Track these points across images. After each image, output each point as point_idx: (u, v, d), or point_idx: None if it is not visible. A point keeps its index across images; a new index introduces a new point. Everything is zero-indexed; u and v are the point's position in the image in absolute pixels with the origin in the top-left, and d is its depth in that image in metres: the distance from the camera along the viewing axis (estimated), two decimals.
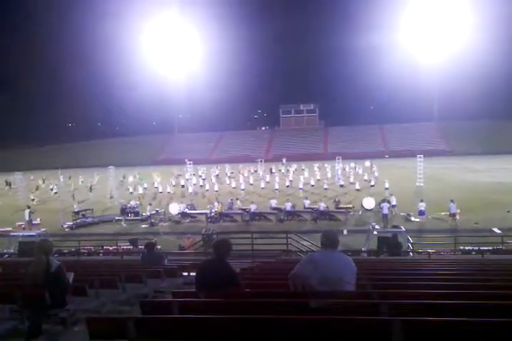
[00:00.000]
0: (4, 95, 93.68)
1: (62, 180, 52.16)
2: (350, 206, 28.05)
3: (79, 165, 76.53)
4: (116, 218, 28.61)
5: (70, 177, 54.22)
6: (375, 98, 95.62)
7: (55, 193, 42.60)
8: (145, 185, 41.41)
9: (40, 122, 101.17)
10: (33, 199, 37.33)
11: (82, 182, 50.40)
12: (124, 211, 28.82)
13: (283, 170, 52.44)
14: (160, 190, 39.39)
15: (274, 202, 28.79)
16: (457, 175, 43.21)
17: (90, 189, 42.34)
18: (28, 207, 28.02)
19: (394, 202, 26.65)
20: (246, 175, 47.60)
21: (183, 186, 40.96)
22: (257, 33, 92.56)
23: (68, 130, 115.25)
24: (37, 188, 46.97)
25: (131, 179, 46.91)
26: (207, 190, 39.67)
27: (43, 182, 52.42)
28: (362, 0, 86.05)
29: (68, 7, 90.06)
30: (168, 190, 39.26)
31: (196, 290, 4.63)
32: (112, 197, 35.45)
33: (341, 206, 27.94)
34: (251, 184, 41.33)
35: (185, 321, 3.38)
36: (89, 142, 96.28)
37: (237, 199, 30.98)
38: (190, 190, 38.61)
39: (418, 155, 40.63)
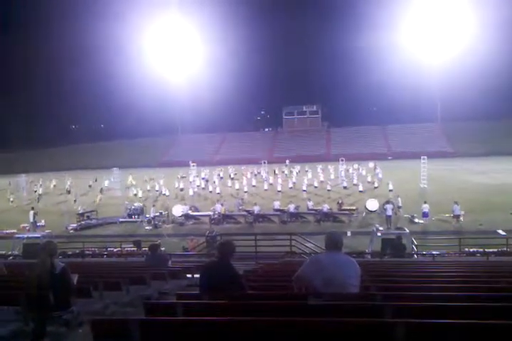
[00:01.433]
0: (7, 97, 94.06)
1: (41, 182, 51.36)
2: (354, 208, 28.00)
3: (83, 167, 76.76)
4: (120, 220, 28.73)
5: (55, 179, 53.04)
6: (378, 99, 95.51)
7: (40, 195, 42.86)
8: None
9: (44, 124, 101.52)
10: (12, 201, 38.06)
11: (54, 186, 49.86)
12: (139, 211, 28.99)
13: (286, 172, 52.39)
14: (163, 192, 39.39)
15: (277, 204, 28.78)
16: (461, 177, 43.05)
17: (68, 192, 42.41)
18: (33, 209, 28.11)
19: (400, 204, 26.64)
20: (249, 176, 47.60)
21: (182, 189, 40.88)
22: (259, 34, 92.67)
23: (72, 132, 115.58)
24: (23, 189, 47.28)
25: (106, 184, 46.67)
26: (210, 192, 39.68)
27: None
28: (365, 0, 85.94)
29: (71, 9, 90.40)
30: (140, 194, 38.84)
31: (200, 292, 4.64)
32: (75, 201, 35.49)
33: (345, 208, 27.90)
34: (253, 186, 41.33)
35: (189, 323, 3.38)
36: (93, 144, 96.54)
37: (242, 199, 30.98)
38: (191, 192, 38.55)
39: (422, 157, 40.53)
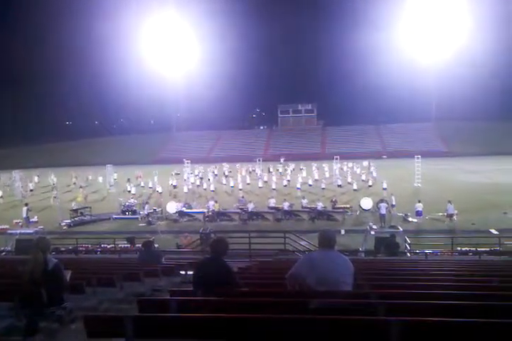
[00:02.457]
0: (2, 94, 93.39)
1: (17, 178, 50.66)
2: (348, 206, 28.07)
3: (76, 163, 76.35)
4: (114, 216, 28.63)
5: (38, 176, 51.90)
6: (374, 98, 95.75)
7: (31, 191, 42.52)
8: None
9: (38, 120, 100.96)
10: (1, 197, 38.04)
11: (37, 182, 49.04)
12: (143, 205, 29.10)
13: (281, 170, 52.43)
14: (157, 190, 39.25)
15: (271, 202, 28.79)
16: (454, 176, 43.29)
17: (53, 188, 42.16)
18: (26, 205, 27.96)
19: (393, 202, 26.75)
20: (244, 174, 47.57)
21: (175, 186, 40.74)
22: (255, 32, 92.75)
23: (66, 128, 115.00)
24: (7, 185, 46.96)
25: (100, 180, 46.56)
26: (204, 189, 39.63)
27: (10, 179, 52.28)
28: (362, 0, 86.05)
29: (67, 6, 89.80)
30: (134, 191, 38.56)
31: (193, 288, 4.64)
32: (55, 197, 35.36)
33: (339, 206, 27.96)
34: (248, 183, 41.31)
35: (182, 320, 3.38)
36: (87, 140, 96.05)
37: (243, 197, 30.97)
38: (186, 189, 38.45)
39: (416, 156, 40.67)
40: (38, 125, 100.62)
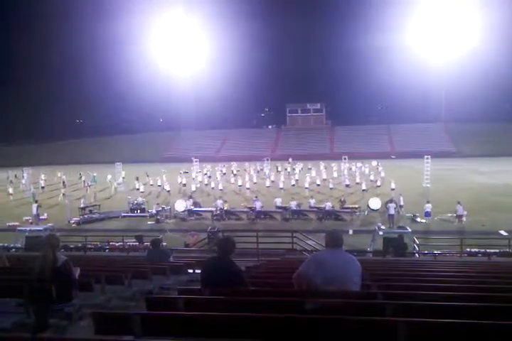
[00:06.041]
0: (12, 92, 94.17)
1: (25, 176, 50.68)
2: (356, 206, 27.94)
3: (86, 161, 76.92)
4: (123, 214, 28.80)
5: (44, 174, 50.76)
6: (383, 98, 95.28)
7: (42, 188, 42.59)
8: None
9: (48, 118, 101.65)
10: (11, 194, 38.35)
11: (44, 179, 48.03)
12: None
13: (289, 169, 52.34)
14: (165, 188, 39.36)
15: (279, 201, 28.77)
16: (464, 177, 42.97)
17: (63, 184, 42.49)
18: (36, 202, 28.19)
19: (402, 203, 26.60)
20: (252, 173, 47.53)
21: (184, 185, 40.82)
22: (264, 31, 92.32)
23: (76, 126, 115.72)
24: (11, 182, 47.36)
25: (108, 178, 46.85)
26: (212, 188, 39.69)
27: (15, 176, 53.22)
28: (371, 0, 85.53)
29: (75, 5, 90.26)
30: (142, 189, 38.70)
31: (201, 287, 4.66)
32: (64, 194, 35.53)
33: (347, 206, 27.86)
34: (255, 183, 41.26)
35: (189, 318, 3.39)
36: (96, 138, 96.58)
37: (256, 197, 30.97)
38: (194, 188, 38.52)
39: (425, 156, 40.38)
40: (48, 123, 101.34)
